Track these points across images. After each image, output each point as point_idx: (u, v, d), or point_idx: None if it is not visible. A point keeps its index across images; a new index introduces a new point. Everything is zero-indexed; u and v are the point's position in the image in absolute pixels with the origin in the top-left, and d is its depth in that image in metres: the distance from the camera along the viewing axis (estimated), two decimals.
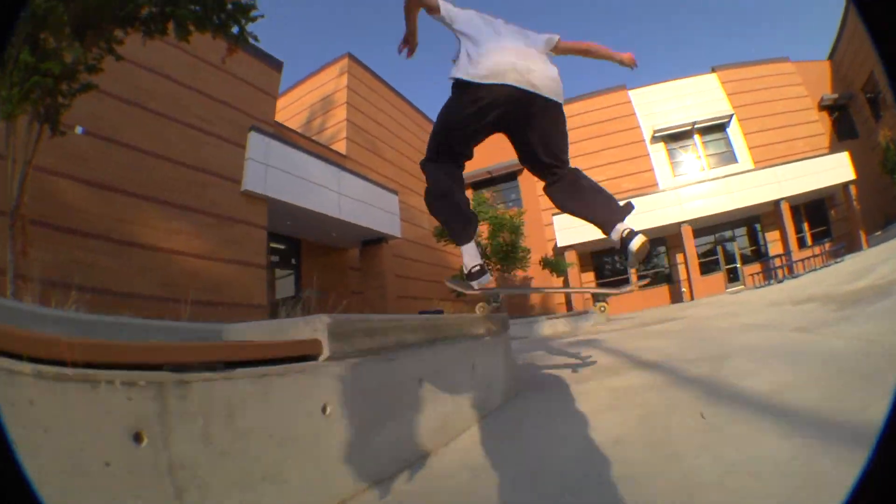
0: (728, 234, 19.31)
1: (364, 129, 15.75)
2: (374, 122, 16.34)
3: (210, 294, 8.30)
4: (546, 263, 14.58)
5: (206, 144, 9.16)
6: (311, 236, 12.86)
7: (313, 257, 13.21)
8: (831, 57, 20.20)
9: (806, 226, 18.23)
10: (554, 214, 17.32)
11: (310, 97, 16.71)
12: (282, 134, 11.79)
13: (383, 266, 13.37)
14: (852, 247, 15.98)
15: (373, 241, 13.47)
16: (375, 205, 12.92)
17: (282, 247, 12.65)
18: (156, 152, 8.32)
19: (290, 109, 17.19)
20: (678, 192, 17.46)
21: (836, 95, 19.15)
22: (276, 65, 11.67)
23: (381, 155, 16.15)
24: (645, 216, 16.53)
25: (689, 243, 17.23)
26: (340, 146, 14.82)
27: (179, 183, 8.56)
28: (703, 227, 18.38)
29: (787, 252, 16.07)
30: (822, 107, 19.44)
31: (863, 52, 17.07)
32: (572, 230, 16.61)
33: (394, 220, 13.59)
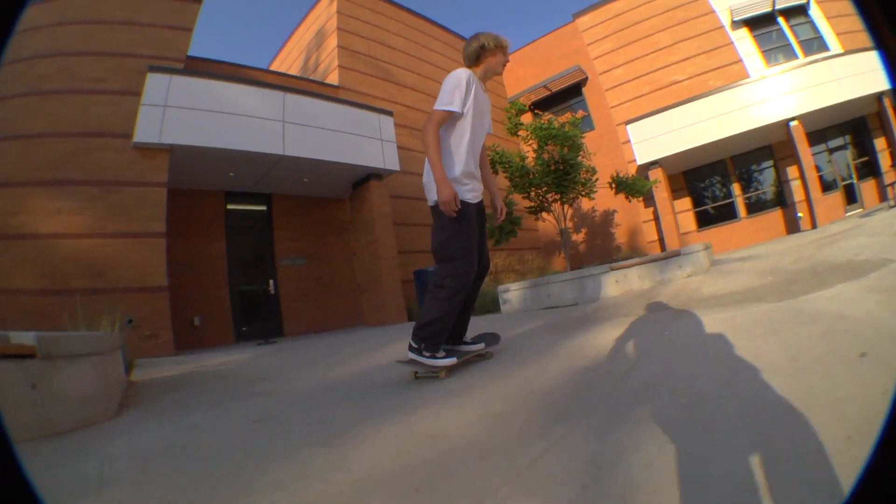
0: (839, 140, 14.35)
1: (366, 54, 13.39)
2: (378, 45, 13.89)
3: (94, 280, 6.99)
4: (619, 185, 10.02)
5: (95, 104, 7.80)
6: (280, 189, 10.63)
7: (294, 216, 11.01)
8: None
9: None
10: (628, 123, 13.65)
11: (306, 37, 14.77)
12: (196, 67, 9.58)
13: (373, 213, 10.47)
14: None
15: (362, 182, 10.89)
16: (355, 132, 10.29)
17: (244, 207, 10.58)
18: (37, 132, 7.48)
19: (290, 57, 15.43)
20: (776, 81, 12.87)
21: None
22: None
23: (392, 79, 13.64)
24: (737, 115, 12.46)
25: (804, 148, 12.58)
26: (334, 77, 12.61)
27: (61, 156, 7.40)
28: (810, 132, 13.71)
29: None
30: None
31: None
32: (655, 140, 13.17)
33: (387, 150, 10.73)
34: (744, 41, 14.55)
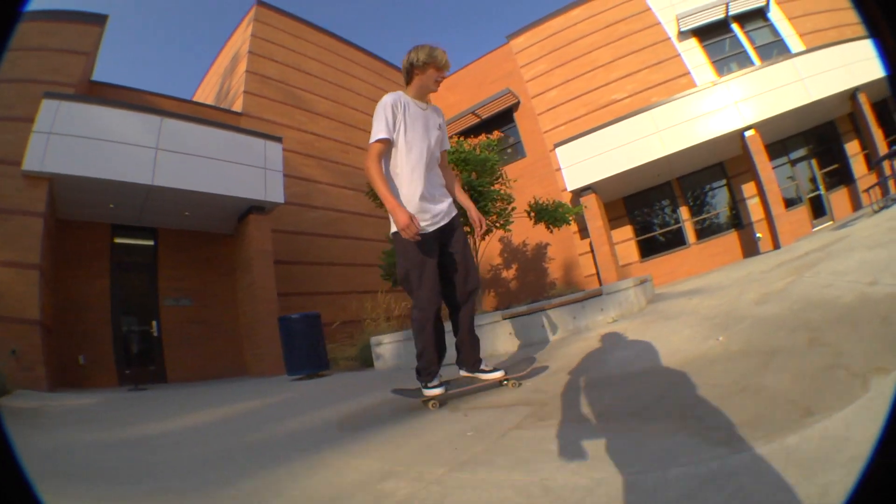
0: (802, 151, 13.05)
1: (278, 80, 12.62)
2: (292, 70, 13.12)
3: None
4: (538, 213, 8.42)
5: (1, 131, 7.68)
6: (165, 223, 9.76)
7: (180, 252, 10.10)
8: None
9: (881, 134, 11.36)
10: (557, 146, 12.48)
11: (224, 62, 14.16)
12: (91, 93, 9.01)
13: (250, 250, 9.42)
14: None
15: (245, 215, 9.93)
16: (236, 160, 9.38)
17: (130, 242, 9.75)
18: None
19: (210, 84, 14.81)
20: (728, 88, 11.53)
21: None
22: (96, 20, 9.37)
23: (303, 106, 12.78)
24: (681, 130, 11.35)
25: (763, 160, 11.23)
26: (239, 104, 11.85)
27: None
28: (770, 144, 12.39)
29: (879, 162, 9.85)
30: None
31: None
32: (587, 164, 11.91)
33: (271, 180, 9.78)
34: (692, 52, 13.46)
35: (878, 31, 0.58)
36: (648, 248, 13.51)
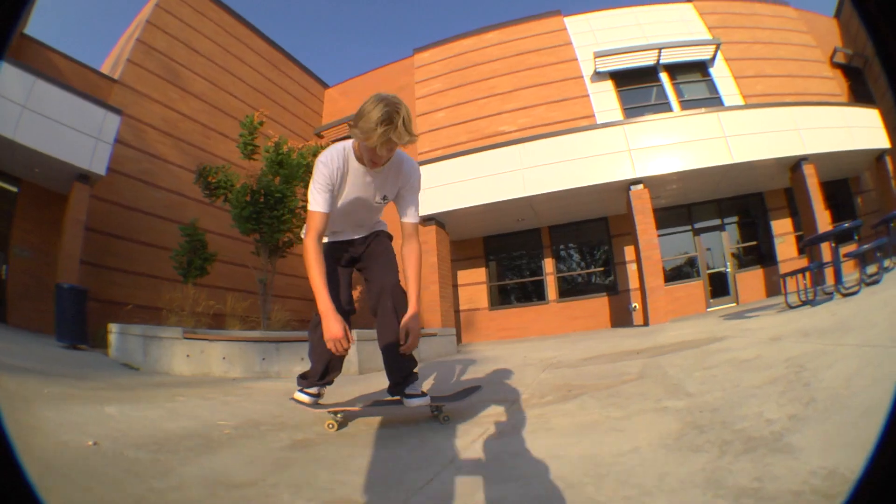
0: (716, 220, 12.26)
1: (164, 53, 12.47)
2: (182, 45, 12.93)
3: None
4: None
5: None
6: (26, 175, 9.73)
7: (37, 206, 10.04)
8: (837, 15, 16.59)
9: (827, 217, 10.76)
10: None
11: (131, 29, 14.09)
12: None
13: (66, 216, 9.38)
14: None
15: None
16: (70, 124, 9.29)
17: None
18: None
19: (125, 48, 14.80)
20: (625, 130, 10.73)
21: (851, 51, 15.31)
22: None
23: (177, 82, 12.56)
24: (554, 170, 10.58)
25: (646, 223, 10.36)
26: (118, 72, 11.73)
27: None
28: (670, 207, 11.60)
29: (810, 243, 8.67)
30: (835, 63, 15.24)
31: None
32: (436, 192, 10.92)
33: (100, 150, 9.61)
34: (604, 95, 12.77)
35: (881, 36, 0.59)
36: (503, 297, 12.83)
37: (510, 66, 13.57)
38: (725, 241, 12.51)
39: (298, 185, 8.15)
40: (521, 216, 11.75)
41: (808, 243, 7.58)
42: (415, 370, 2.40)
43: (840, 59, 15.50)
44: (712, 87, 13.12)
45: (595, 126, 11.31)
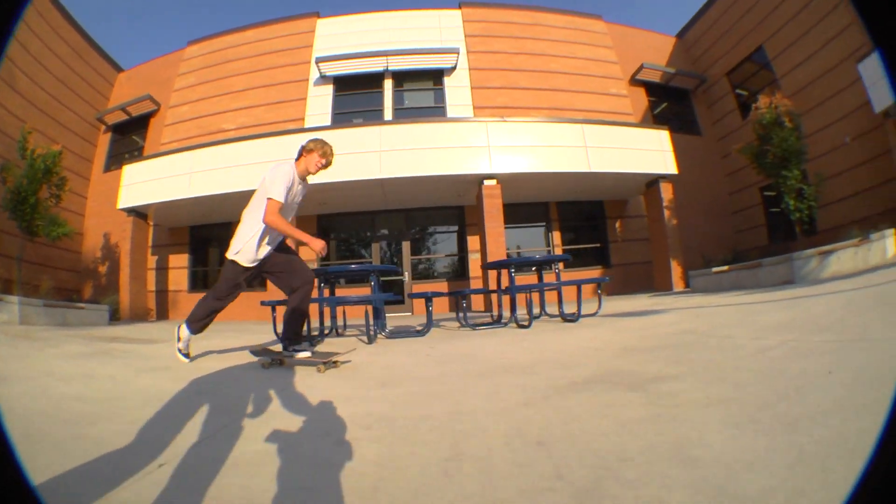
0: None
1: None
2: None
3: None
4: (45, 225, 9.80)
5: None
6: None
7: None
8: (681, 35, 17.07)
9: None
10: (128, 163, 12.37)
11: None
12: None
13: None
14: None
15: None
16: None
17: None
18: None
19: None
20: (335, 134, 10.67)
21: (673, 70, 15.36)
22: None
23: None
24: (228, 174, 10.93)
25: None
26: None
27: None
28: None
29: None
30: (637, 81, 15.00)
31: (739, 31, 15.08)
32: (146, 185, 11.55)
33: None
34: (323, 100, 12.59)
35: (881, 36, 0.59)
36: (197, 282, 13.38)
37: (251, 66, 13.95)
38: (557, 239, 13.14)
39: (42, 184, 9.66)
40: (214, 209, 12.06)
41: (488, 267, 7.05)
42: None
43: (646, 76, 13.96)
44: (441, 96, 12.49)
45: (303, 129, 11.49)
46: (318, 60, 13.06)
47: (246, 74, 13.90)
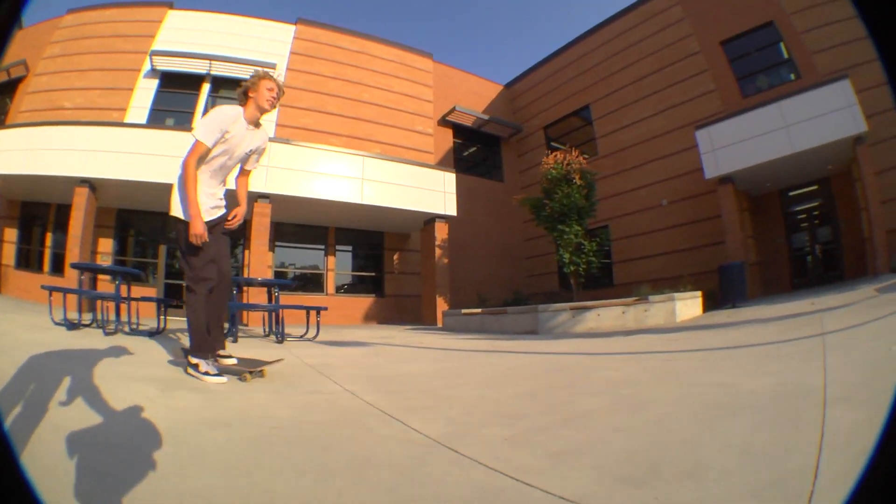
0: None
1: None
2: None
3: None
4: None
5: None
6: None
7: None
8: (509, 85, 18.49)
9: None
10: None
11: None
12: None
13: None
14: None
15: None
16: None
17: None
18: None
19: None
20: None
21: (487, 117, 16.48)
22: None
23: None
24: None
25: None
26: None
27: None
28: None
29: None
30: (446, 122, 16.20)
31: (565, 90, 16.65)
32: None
33: None
34: (147, 93, 13.83)
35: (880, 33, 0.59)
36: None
37: (101, 46, 14.55)
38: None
39: None
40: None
41: (75, 266, 7.54)
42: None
43: (457, 118, 15.34)
44: None
45: (112, 123, 12.40)
46: (153, 53, 13.93)
47: (94, 54, 14.37)
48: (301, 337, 7.15)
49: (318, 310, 7.17)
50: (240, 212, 3.48)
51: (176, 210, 3.20)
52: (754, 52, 14.40)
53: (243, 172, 3.65)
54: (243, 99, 3.29)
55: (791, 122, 11.41)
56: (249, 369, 3.31)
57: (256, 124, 3.39)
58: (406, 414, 2.44)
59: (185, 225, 3.16)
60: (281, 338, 6.57)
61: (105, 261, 12.78)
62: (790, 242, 13.95)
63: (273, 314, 7.12)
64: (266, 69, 3.35)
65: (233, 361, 3.40)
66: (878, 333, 3.79)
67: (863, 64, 11.00)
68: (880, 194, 10.75)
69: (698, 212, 13.55)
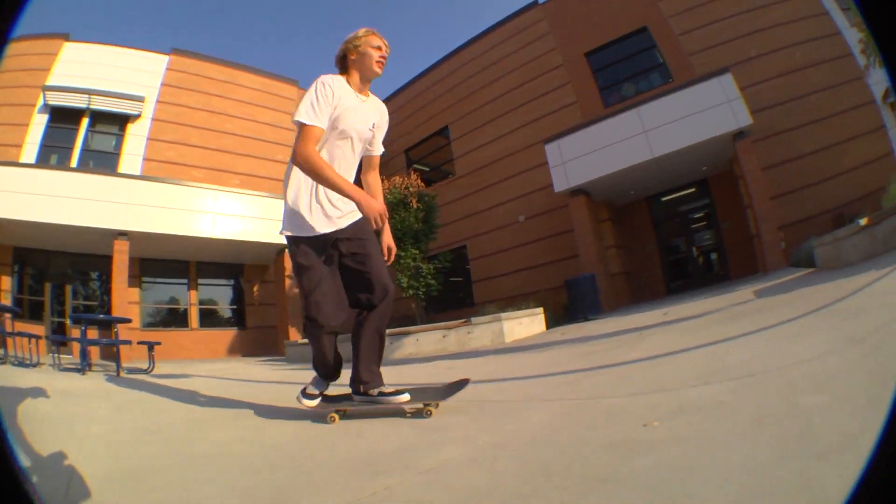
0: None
1: None
2: None
3: None
4: None
5: None
6: None
7: None
8: None
9: None
10: None
11: None
12: None
13: None
14: None
15: None
16: None
17: None
18: None
19: None
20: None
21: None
22: None
23: None
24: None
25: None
26: None
27: None
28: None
29: None
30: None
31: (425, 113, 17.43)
32: None
33: None
34: (38, 128, 14.47)
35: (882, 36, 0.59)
36: None
37: (11, 80, 14.25)
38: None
39: None
40: None
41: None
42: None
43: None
44: (119, 142, 14.73)
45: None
46: (45, 88, 13.90)
47: (3, 88, 14.19)
48: (145, 370, 7.46)
49: (121, 343, 7.55)
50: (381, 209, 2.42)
51: (281, 229, 2.59)
52: (623, 59, 14.41)
53: (370, 165, 2.88)
54: (343, 66, 2.57)
55: (650, 128, 11.36)
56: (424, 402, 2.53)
57: (366, 91, 2.62)
58: None
59: (290, 245, 2.56)
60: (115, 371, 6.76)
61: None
62: (667, 247, 14.31)
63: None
64: (365, 31, 2.48)
65: (406, 398, 2.51)
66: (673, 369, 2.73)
67: (744, 62, 11.51)
68: (769, 190, 10.71)
69: (555, 226, 13.81)
